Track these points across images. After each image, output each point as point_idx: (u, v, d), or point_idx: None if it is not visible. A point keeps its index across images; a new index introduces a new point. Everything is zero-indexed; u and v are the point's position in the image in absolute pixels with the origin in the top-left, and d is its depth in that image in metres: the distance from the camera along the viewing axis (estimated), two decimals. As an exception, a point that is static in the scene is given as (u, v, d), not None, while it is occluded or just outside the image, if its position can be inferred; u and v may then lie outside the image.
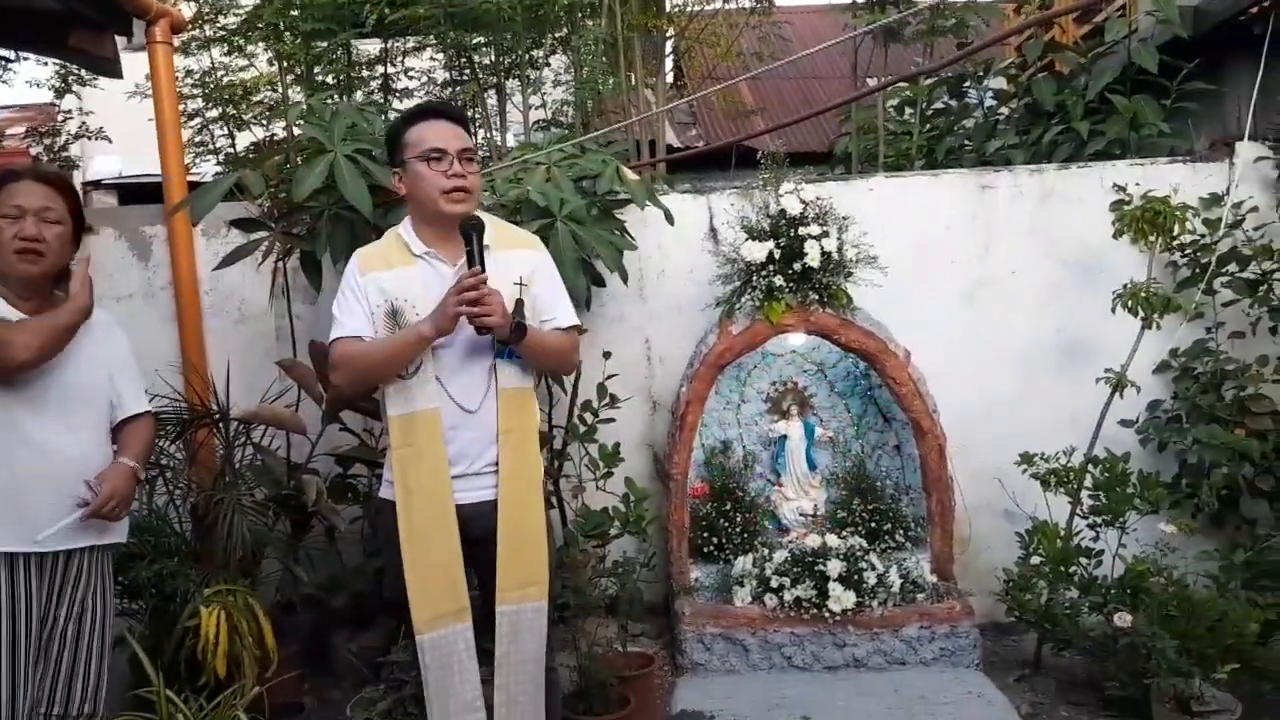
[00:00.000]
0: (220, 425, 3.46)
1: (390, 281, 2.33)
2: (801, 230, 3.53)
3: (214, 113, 5.83)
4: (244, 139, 6.04)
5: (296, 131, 5.27)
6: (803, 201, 3.57)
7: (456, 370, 2.33)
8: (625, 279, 3.57)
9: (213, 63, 5.68)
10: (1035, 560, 3.53)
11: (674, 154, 5.57)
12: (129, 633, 2.95)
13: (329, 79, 5.57)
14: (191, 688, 2.82)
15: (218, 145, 6.00)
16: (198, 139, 5.96)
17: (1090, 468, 3.57)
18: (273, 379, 3.81)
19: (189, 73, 5.75)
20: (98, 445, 2.36)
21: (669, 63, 7.05)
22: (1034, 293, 4.09)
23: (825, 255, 3.52)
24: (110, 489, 2.26)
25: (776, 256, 3.55)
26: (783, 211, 3.57)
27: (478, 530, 2.36)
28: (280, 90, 5.73)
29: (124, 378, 2.45)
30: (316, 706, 3.39)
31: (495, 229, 2.42)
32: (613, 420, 3.74)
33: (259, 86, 5.84)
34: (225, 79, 5.75)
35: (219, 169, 5.97)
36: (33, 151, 6.77)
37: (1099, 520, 3.51)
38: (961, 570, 3.79)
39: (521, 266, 2.36)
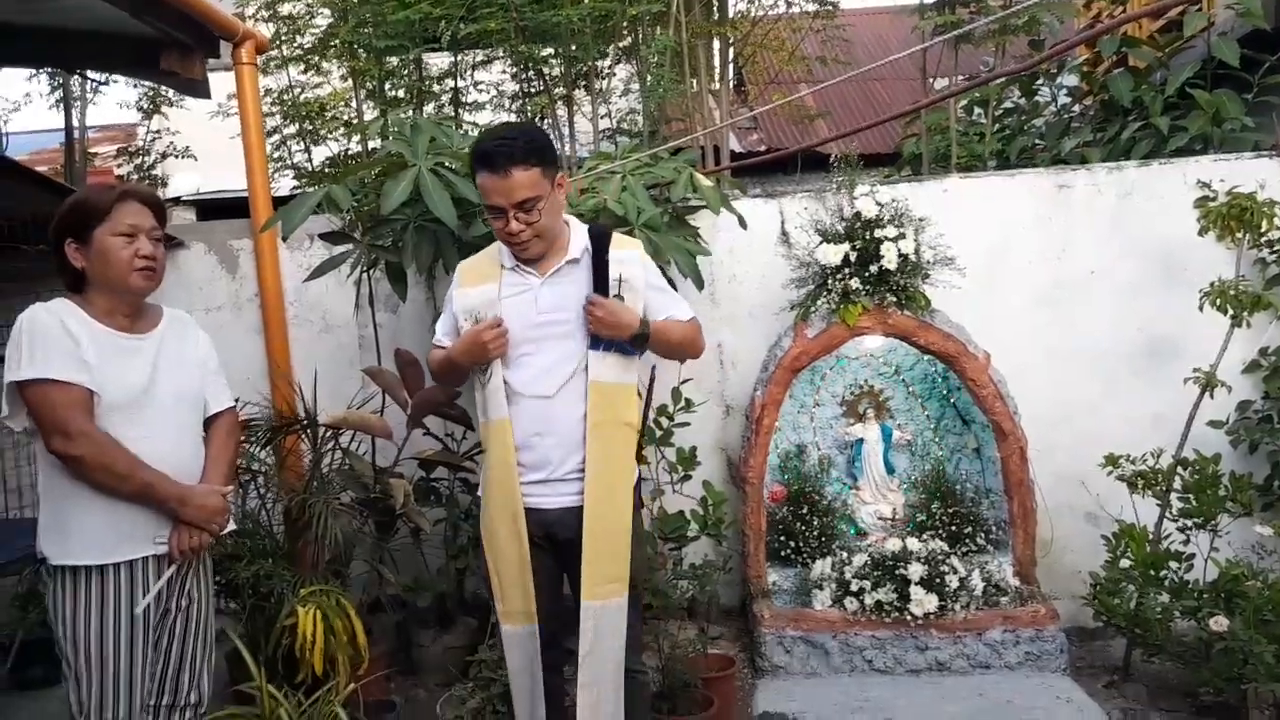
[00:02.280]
0: (308, 431, 3.56)
1: (475, 297, 2.43)
2: (877, 232, 3.52)
3: (291, 129, 5.99)
4: (319, 154, 6.20)
5: (371, 145, 5.40)
6: (878, 203, 3.57)
7: (530, 362, 2.38)
8: (701, 285, 3.60)
9: (290, 81, 5.84)
10: (1123, 564, 3.46)
11: (742, 159, 5.59)
12: (229, 631, 3.07)
13: (400, 94, 5.70)
14: (289, 684, 2.92)
15: (295, 161, 6.17)
16: (275, 154, 6.14)
17: (1179, 469, 3.50)
18: (357, 386, 3.92)
19: (267, 91, 5.93)
20: (198, 445, 2.44)
21: (731, 69, 7.06)
22: (1114, 292, 4.02)
23: (902, 257, 3.51)
24: (184, 544, 2.29)
25: (852, 259, 3.55)
26: (858, 214, 3.57)
27: (564, 534, 2.41)
28: (354, 106, 5.87)
29: (210, 376, 2.50)
30: (404, 705, 3.46)
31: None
32: (687, 424, 3.77)
33: (334, 103, 5.99)
34: (302, 96, 5.91)
35: (296, 184, 6.14)
36: (120, 170, 7.03)
37: (1189, 523, 3.43)
38: (1044, 574, 3.74)
39: (621, 269, 2.39)
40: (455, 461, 3.60)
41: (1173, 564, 3.39)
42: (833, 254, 3.56)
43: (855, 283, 3.55)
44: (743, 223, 3.80)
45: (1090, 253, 4.04)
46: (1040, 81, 5.45)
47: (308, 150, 6.15)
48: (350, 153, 6.02)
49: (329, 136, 6.07)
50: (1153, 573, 3.38)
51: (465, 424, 3.56)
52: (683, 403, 3.71)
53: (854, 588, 3.53)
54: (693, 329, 2.53)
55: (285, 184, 6.24)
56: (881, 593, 3.48)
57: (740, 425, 4.13)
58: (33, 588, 3.55)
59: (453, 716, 3.01)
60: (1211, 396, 3.54)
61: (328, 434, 3.58)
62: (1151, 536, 3.48)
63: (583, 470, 2.38)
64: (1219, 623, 3.10)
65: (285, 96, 5.97)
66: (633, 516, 2.45)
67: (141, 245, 2.29)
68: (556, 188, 2.34)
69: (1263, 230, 3.72)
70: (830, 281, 3.61)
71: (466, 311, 2.43)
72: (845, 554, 3.66)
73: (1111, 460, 3.59)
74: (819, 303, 3.66)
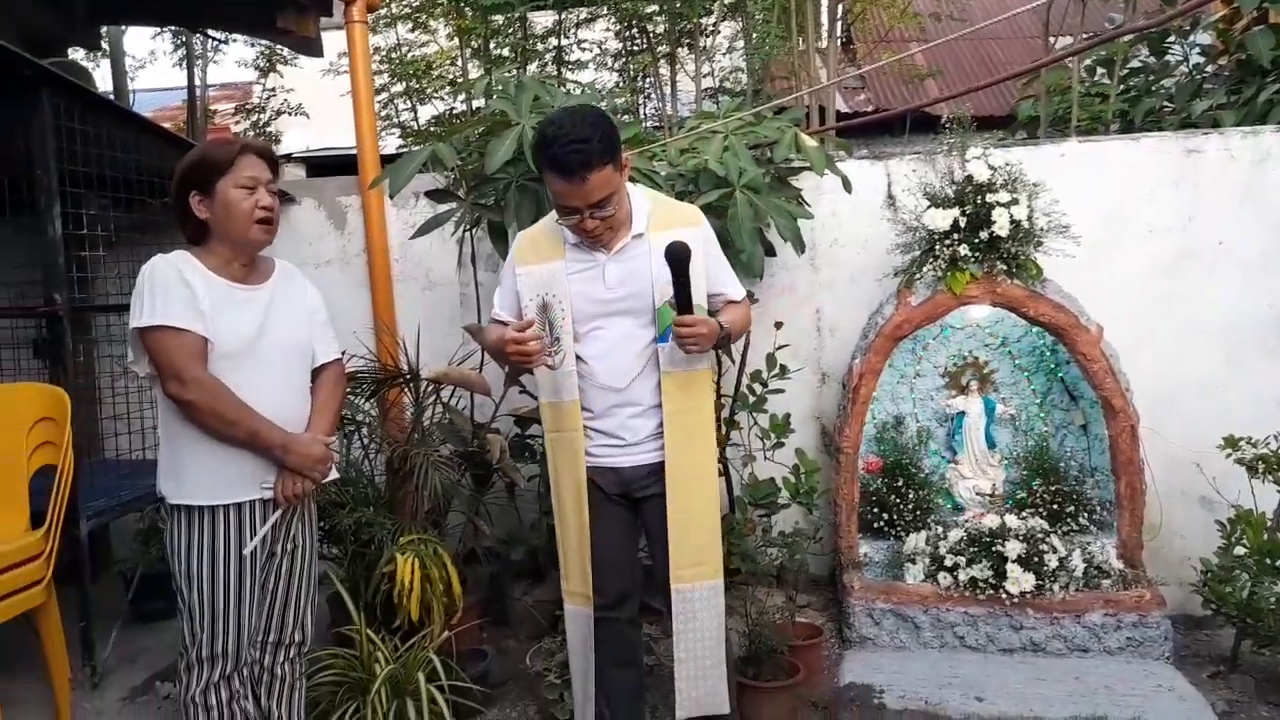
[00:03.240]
0: (411, 385, 3.66)
1: (537, 276, 2.44)
2: (989, 197, 3.39)
3: (398, 88, 6.10)
4: (425, 113, 6.30)
5: (476, 104, 5.45)
6: (991, 167, 3.43)
7: (604, 355, 2.42)
8: (801, 249, 3.53)
9: (398, 39, 5.94)
10: (1238, 551, 3.30)
11: (847, 119, 5.44)
12: (331, 575, 3.20)
13: (505, 52, 5.73)
14: (386, 629, 3.04)
15: (401, 119, 6.29)
16: (382, 113, 6.27)
17: (1305, 455, 3.31)
18: (458, 343, 4.00)
19: (376, 49, 6.05)
20: (305, 395, 2.52)
21: (840, 26, 6.87)
22: (1243, 265, 3.79)
23: (1014, 224, 3.37)
24: (288, 490, 2.38)
25: (962, 225, 3.43)
26: (969, 178, 3.44)
27: (639, 492, 2.48)
28: (459, 64, 5.94)
29: (319, 327, 2.57)
30: (495, 654, 3.57)
31: (656, 208, 2.47)
32: (781, 391, 3.73)
33: (440, 61, 6.07)
34: (409, 54, 6.01)
35: (401, 143, 6.26)
36: (237, 127, 7.30)
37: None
38: (1151, 558, 3.59)
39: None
40: (550, 419, 3.65)
41: (1293, 552, 3.22)
42: (941, 219, 3.45)
43: (964, 249, 3.43)
44: (847, 185, 3.71)
45: (1219, 222, 3.81)
46: (1171, 39, 5.13)
47: (414, 108, 6.26)
48: (455, 111, 6.11)
49: (435, 95, 6.17)
50: (1269, 561, 3.21)
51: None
52: (777, 369, 3.67)
53: (948, 563, 3.46)
54: (746, 312, 2.55)
55: (392, 142, 6.38)
56: (977, 569, 3.41)
57: (836, 394, 4.07)
58: (153, 525, 3.76)
59: (541, 668, 3.09)
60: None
61: (429, 388, 3.67)
62: (1270, 523, 3.30)
63: (659, 433, 2.42)
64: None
65: (393, 55, 6.09)
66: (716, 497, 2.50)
67: (261, 197, 2.37)
68: (623, 171, 2.33)
69: None
70: (937, 248, 3.50)
71: (534, 290, 2.44)
72: (940, 529, 3.59)
73: (1231, 442, 3.41)
74: (924, 269, 3.55)
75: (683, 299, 2.24)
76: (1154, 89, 5.12)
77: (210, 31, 5.94)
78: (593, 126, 2.21)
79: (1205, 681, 3.30)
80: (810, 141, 3.45)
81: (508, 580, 3.91)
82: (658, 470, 2.44)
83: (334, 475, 2.53)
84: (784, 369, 3.67)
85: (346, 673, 2.86)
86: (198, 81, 6.65)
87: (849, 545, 3.71)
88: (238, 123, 7.30)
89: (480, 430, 3.68)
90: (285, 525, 2.48)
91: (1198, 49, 5.14)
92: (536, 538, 3.84)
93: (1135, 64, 5.34)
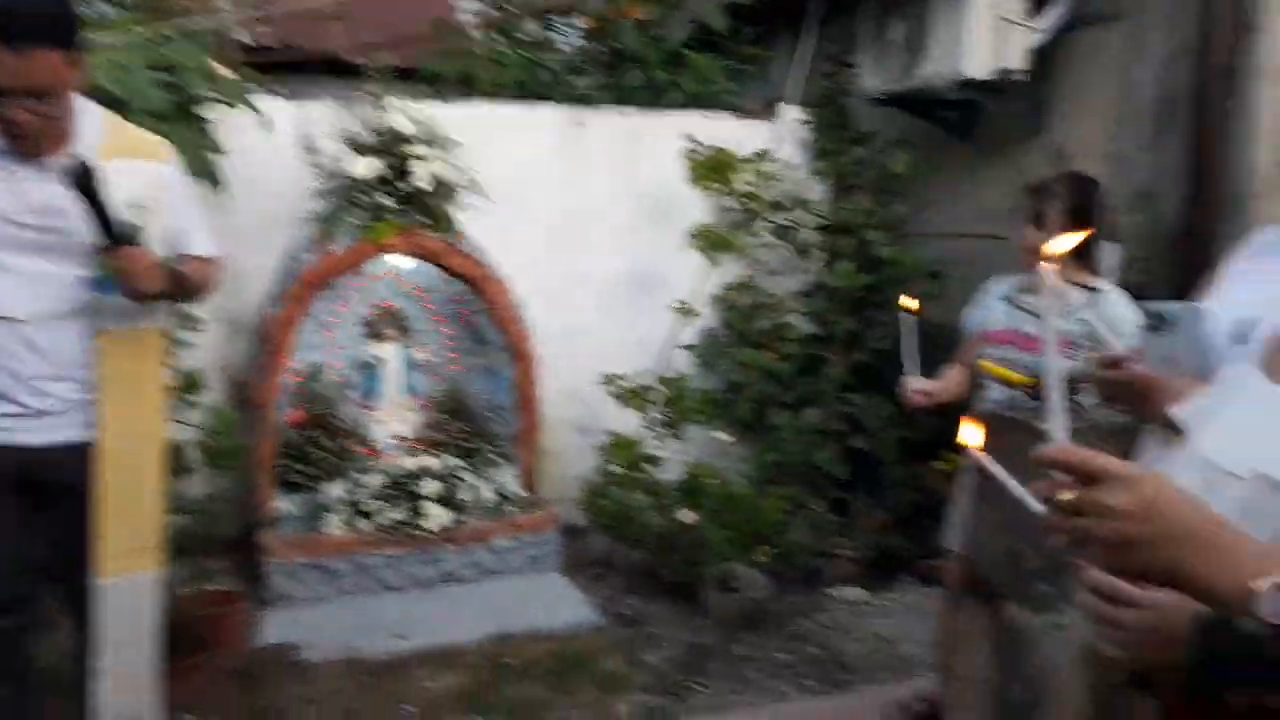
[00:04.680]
0: None
1: None
2: (411, 150, 3.46)
3: None
4: None
5: None
6: (414, 121, 3.49)
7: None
8: (216, 184, 3.22)
9: None
10: (612, 469, 3.90)
11: (256, 54, 5.06)
12: None
13: None
14: None
15: None
16: None
17: (660, 386, 4.02)
18: None
19: None
20: None
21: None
22: (614, 228, 4.42)
23: (435, 178, 3.49)
24: None
25: (385, 176, 3.44)
26: (392, 129, 3.46)
27: (52, 474, 2.04)
28: None
29: None
30: None
31: (112, 128, 2.06)
32: (192, 345, 3.41)
33: None
34: None
35: None
36: None
37: (665, 432, 3.97)
38: (545, 481, 4.07)
39: (140, 183, 2.00)
40: None
41: (649, 466, 3.91)
42: (364, 167, 3.42)
43: (388, 200, 3.45)
44: (267, 123, 3.46)
45: (597, 190, 4.38)
46: (554, 18, 5.69)
47: None
48: None
49: None
50: (634, 475, 3.86)
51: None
52: (182, 319, 3.33)
53: (367, 508, 3.51)
54: (213, 269, 2.21)
55: None
56: (397, 512, 3.52)
57: (248, 345, 3.83)
58: None
59: None
60: (689, 325, 4.10)
61: None
62: (635, 444, 3.96)
63: (81, 402, 2.02)
64: (687, 515, 3.65)
65: None
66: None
67: None
68: (76, 72, 1.89)
69: (733, 183, 4.34)
70: (359, 197, 3.47)
71: None
72: (360, 475, 3.62)
73: (610, 379, 4.00)
74: (345, 218, 3.50)
75: (105, 229, 1.88)
76: (544, 63, 5.64)
77: None
78: (58, 3, 1.82)
79: (589, 584, 3.86)
80: (225, 71, 3.15)
81: None
82: (80, 450, 2.04)
83: None
84: (192, 319, 3.34)
85: None
86: None
87: (263, 502, 3.56)
88: None
89: None
90: None
91: (581, 32, 5.79)
92: None
93: (524, 38, 5.82)
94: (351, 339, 3.96)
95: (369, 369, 3.95)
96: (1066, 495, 0.83)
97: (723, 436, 3.99)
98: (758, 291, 4.44)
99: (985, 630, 2.53)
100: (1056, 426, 0.90)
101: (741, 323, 4.40)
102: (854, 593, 3.80)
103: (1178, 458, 1.26)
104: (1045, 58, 3.71)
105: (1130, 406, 1.68)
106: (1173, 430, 1.35)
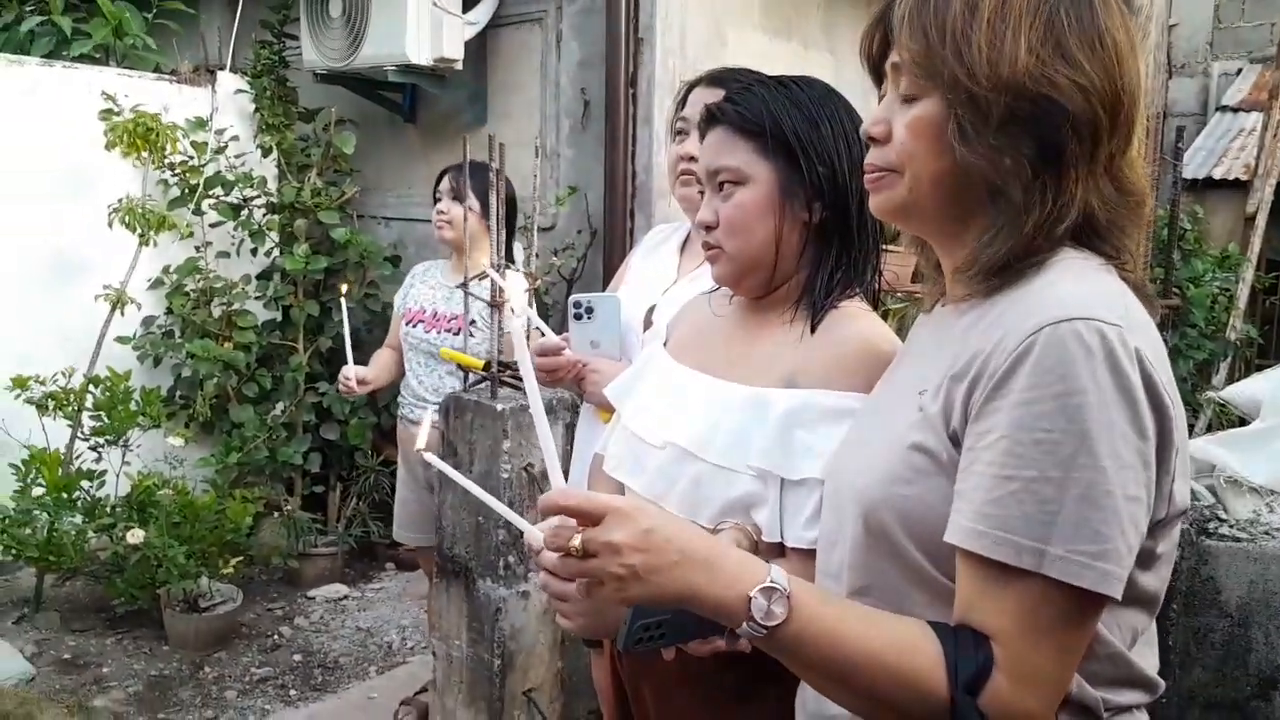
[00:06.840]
0: None
1: None
2: None
3: None
4: None
5: None
6: None
7: None
8: None
9: None
10: (37, 491, 3.32)
11: None
12: None
13: None
14: None
15: None
16: None
17: (92, 388, 3.50)
18: None
19: None
20: None
21: None
22: (19, 201, 3.71)
23: None
24: None
25: None
26: None
27: None
28: None
29: None
30: None
31: None
32: None
33: None
34: None
35: None
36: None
37: (102, 441, 3.48)
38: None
39: None
40: None
41: (86, 483, 3.40)
42: None
43: None
44: None
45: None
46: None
47: None
48: None
49: None
50: (65, 496, 3.33)
51: None
52: None
53: None
54: None
55: None
56: None
57: None
58: None
59: None
60: (122, 314, 3.63)
61: None
62: (65, 459, 3.41)
63: None
64: (135, 535, 3.24)
65: None
66: None
67: None
68: None
69: (166, 153, 3.88)
70: None
71: None
72: None
73: (20, 382, 3.38)
74: None
75: None
76: None
77: None
78: None
79: (12, 629, 3.27)
80: None
81: None
82: None
83: None
84: None
85: None
86: None
87: None
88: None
89: None
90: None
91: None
92: None
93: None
94: None
95: None
96: (576, 541, 0.84)
97: (176, 440, 3.60)
98: (206, 275, 4.07)
99: (461, 607, 2.66)
100: (553, 472, 0.91)
101: (189, 310, 4.01)
102: (335, 590, 3.74)
103: (612, 432, 1.46)
104: (483, 50, 3.90)
105: (569, 387, 1.94)
106: (608, 408, 1.56)
